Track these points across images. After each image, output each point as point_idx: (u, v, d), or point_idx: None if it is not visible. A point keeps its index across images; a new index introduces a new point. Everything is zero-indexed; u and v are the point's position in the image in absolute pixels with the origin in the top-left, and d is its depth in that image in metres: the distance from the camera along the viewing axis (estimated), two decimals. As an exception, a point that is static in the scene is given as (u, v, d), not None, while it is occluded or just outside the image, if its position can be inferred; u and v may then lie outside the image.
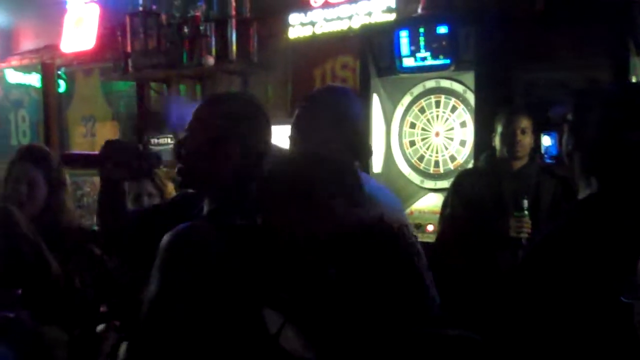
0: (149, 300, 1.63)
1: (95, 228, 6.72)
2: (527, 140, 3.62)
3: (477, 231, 3.51)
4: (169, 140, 6.04)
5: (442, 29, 4.02)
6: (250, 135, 1.87)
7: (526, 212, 3.45)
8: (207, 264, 1.54)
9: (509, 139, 3.60)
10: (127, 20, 5.77)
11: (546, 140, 3.69)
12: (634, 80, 3.47)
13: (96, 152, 2.14)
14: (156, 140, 6.17)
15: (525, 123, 3.61)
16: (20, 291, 2.05)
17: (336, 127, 2.12)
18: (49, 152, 3.62)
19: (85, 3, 6.57)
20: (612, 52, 3.58)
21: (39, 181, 3.16)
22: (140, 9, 5.72)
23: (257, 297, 1.38)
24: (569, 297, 1.60)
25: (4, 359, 1.97)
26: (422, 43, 4.09)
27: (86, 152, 2.51)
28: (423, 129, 4.30)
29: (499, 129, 3.64)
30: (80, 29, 6.56)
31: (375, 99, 4.35)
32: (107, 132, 6.68)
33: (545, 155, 3.71)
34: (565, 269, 1.63)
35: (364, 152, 2.24)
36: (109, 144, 2.14)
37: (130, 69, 5.84)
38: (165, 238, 1.63)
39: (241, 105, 1.94)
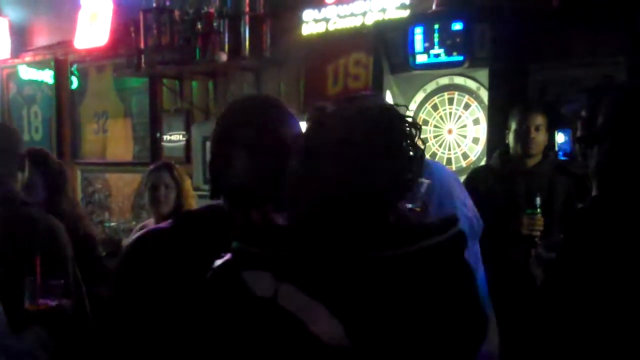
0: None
1: (108, 224, 6.76)
2: (541, 137, 3.60)
3: (489, 229, 3.48)
4: (181, 137, 6.06)
5: (457, 26, 3.99)
6: None
7: (539, 210, 3.43)
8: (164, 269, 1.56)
9: (523, 136, 3.58)
10: (141, 16, 5.78)
11: (560, 138, 3.67)
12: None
13: None
14: (168, 137, 6.19)
15: (539, 120, 3.60)
16: (63, 281, 2.09)
17: None
18: (48, 155, 3.63)
19: (99, -1, 6.58)
20: (628, 50, 3.55)
21: (38, 185, 3.15)
22: (154, 5, 5.72)
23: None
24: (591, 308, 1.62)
25: (46, 347, 2.02)
26: (436, 40, 4.07)
27: None
28: (435, 126, 4.27)
29: (513, 126, 3.63)
30: (94, 25, 6.57)
31: (388, 96, 4.32)
32: (119, 128, 6.69)
33: (559, 153, 3.68)
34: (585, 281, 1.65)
35: None
36: None
37: (143, 65, 5.85)
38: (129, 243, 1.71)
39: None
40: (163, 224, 1.70)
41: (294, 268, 1.24)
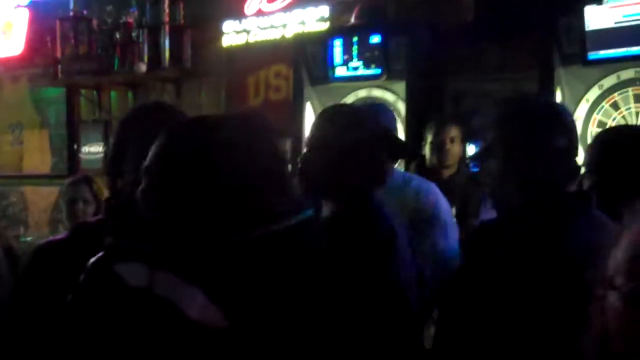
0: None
1: (24, 239, 6.55)
2: (456, 149, 3.66)
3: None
4: (100, 149, 5.93)
5: (375, 39, 4.05)
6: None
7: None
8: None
9: (439, 147, 3.63)
10: (57, 24, 5.66)
11: (472, 149, 3.74)
12: (558, 90, 3.55)
13: None
14: (87, 149, 6.06)
15: (454, 132, 3.66)
16: None
17: None
18: None
19: (15, 7, 6.40)
20: (538, 63, 3.66)
21: None
22: (71, 13, 5.61)
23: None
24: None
25: None
26: (354, 52, 4.12)
27: None
28: (355, 138, 4.31)
29: (429, 137, 3.68)
30: (9, 34, 6.39)
31: (309, 108, 4.36)
32: (35, 139, 6.51)
33: (471, 164, 3.76)
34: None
35: None
36: None
37: (60, 75, 5.73)
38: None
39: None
40: (60, 235, 1.82)
41: (166, 256, 1.26)
